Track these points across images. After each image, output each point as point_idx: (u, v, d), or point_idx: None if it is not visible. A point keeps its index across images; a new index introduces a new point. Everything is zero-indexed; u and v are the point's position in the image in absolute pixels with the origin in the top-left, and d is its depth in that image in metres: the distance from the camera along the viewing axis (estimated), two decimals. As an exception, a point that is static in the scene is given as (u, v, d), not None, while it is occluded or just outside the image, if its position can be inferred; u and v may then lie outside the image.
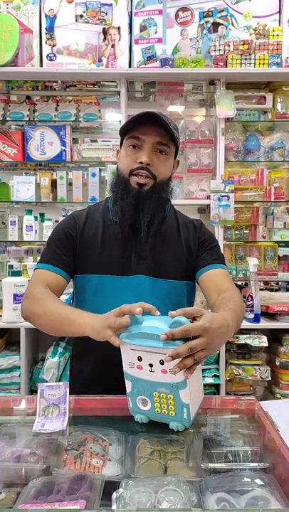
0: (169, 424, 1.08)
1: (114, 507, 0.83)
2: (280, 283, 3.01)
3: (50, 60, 2.77)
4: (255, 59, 2.66)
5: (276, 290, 3.01)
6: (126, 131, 1.36)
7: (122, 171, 1.37)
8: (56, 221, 2.83)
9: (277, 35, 2.69)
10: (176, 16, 2.77)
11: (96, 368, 1.39)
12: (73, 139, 2.90)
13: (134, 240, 1.36)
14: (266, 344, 2.56)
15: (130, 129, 1.34)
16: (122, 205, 1.34)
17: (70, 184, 2.81)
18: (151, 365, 1.03)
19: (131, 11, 2.78)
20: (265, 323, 2.61)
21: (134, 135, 1.33)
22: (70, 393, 1.18)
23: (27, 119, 2.92)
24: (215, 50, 2.68)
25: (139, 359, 1.05)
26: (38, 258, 1.47)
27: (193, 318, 1.03)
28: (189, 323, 1.00)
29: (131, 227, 1.37)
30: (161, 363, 1.01)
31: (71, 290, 1.59)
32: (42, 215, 2.90)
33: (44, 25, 2.76)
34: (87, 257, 1.39)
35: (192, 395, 1.04)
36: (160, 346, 0.99)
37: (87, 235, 1.41)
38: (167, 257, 1.39)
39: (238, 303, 1.29)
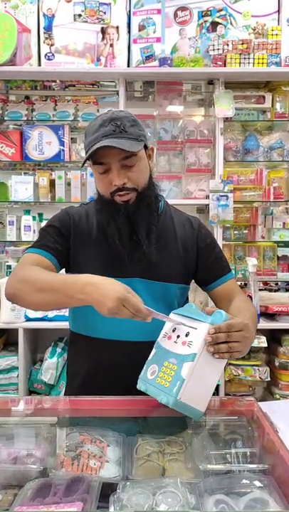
0: (158, 397, 1.05)
1: (111, 509, 0.82)
2: (279, 283, 3.00)
3: (49, 59, 2.76)
4: (254, 58, 2.65)
5: (275, 290, 3.00)
6: (88, 158, 1.30)
7: (103, 194, 1.33)
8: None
9: (276, 34, 2.69)
10: (175, 15, 2.76)
11: (91, 370, 1.37)
12: (72, 138, 2.89)
13: (129, 241, 1.33)
14: (265, 344, 2.56)
15: (91, 156, 1.27)
16: (117, 226, 1.31)
17: (69, 184, 2.80)
18: (178, 336, 1.09)
19: (129, 11, 2.78)
20: (264, 324, 2.61)
21: (98, 161, 1.28)
22: (67, 394, 1.17)
23: (25, 118, 2.91)
24: (214, 50, 2.67)
25: (173, 330, 1.12)
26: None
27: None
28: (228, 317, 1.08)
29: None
30: (187, 335, 1.07)
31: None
32: (40, 215, 2.89)
33: (42, 24, 2.75)
34: (80, 256, 1.36)
35: (195, 377, 1.02)
36: (198, 318, 1.08)
37: (81, 233, 1.38)
38: (162, 259, 1.36)
39: (252, 312, 1.34)
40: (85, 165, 1.38)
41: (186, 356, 1.03)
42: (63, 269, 1.42)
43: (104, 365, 1.33)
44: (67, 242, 1.37)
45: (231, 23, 2.76)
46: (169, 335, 1.12)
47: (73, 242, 1.37)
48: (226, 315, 1.07)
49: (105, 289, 1.07)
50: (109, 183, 1.29)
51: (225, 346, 1.04)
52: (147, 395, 1.18)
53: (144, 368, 1.14)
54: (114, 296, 1.05)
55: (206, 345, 1.03)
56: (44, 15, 2.75)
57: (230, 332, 1.05)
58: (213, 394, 2.78)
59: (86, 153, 1.30)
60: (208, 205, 2.74)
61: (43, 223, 2.80)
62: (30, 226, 2.78)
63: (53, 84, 2.88)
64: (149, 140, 2.74)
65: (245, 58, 2.66)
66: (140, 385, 1.12)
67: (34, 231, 2.80)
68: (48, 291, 1.16)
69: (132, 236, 1.33)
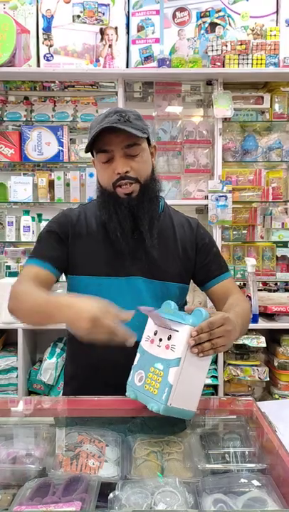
0: (148, 405, 1.04)
1: (110, 509, 0.82)
2: (278, 283, 3.01)
3: (48, 60, 2.77)
4: (252, 59, 2.65)
5: (274, 290, 3.01)
6: (92, 147, 1.32)
7: (105, 186, 1.34)
8: (54, 222, 2.82)
9: (275, 35, 2.69)
10: (174, 16, 2.76)
11: (90, 371, 1.37)
12: (71, 139, 2.89)
13: (128, 240, 1.33)
14: (264, 345, 2.56)
15: (95, 144, 1.30)
16: (120, 219, 1.31)
17: (68, 185, 2.80)
18: (160, 340, 1.08)
19: (128, 11, 2.78)
20: (263, 324, 2.61)
21: (101, 149, 1.30)
22: (66, 394, 1.17)
23: (24, 119, 2.92)
24: (212, 51, 2.67)
25: (155, 333, 1.10)
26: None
27: None
28: (208, 314, 1.05)
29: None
30: (169, 338, 1.05)
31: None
32: (39, 215, 2.89)
33: (41, 25, 2.76)
34: (80, 257, 1.37)
35: (182, 380, 1.01)
36: (178, 320, 1.05)
37: (79, 234, 1.38)
38: (162, 258, 1.37)
39: (244, 307, 1.33)
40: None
41: (171, 361, 1.02)
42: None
43: (103, 365, 1.32)
44: (66, 246, 1.37)
45: (230, 24, 2.76)
46: (152, 338, 1.10)
47: (72, 245, 1.38)
48: (206, 312, 1.04)
49: (78, 310, 1.06)
50: (112, 172, 1.30)
51: (208, 344, 1.03)
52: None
53: (132, 372, 1.13)
54: (85, 317, 1.03)
55: (190, 348, 1.02)
56: (43, 16, 2.75)
57: (212, 330, 1.03)
58: (212, 394, 2.78)
59: (89, 142, 1.31)
60: (207, 205, 2.74)
61: (43, 224, 2.81)
62: (29, 227, 2.78)
63: (52, 85, 2.88)
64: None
65: (243, 59, 2.66)
66: (129, 393, 1.10)
67: (33, 232, 2.80)
68: (34, 311, 1.21)
69: (133, 232, 1.33)
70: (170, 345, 1.04)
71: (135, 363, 1.13)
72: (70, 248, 1.37)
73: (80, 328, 1.04)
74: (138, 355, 1.13)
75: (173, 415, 1.03)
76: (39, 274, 1.32)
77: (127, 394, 1.11)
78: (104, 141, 1.27)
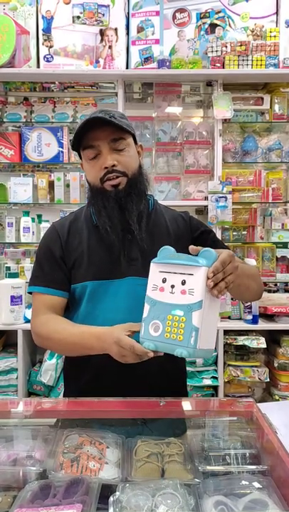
0: (175, 352, 1.01)
1: (110, 511, 0.82)
2: (278, 284, 3.01)
3: (47, 61, 2.77)
4: (252, 60, 2.66)
5: (274, 291, 3.01)
6: (78, 144, 1.33)
7: (93, 182, 1.35)
8: (54, 223, 2.82)
9: (275, 36, 2.69)
10: (174, 17, 2.77)
11: (93, 376, 1.35)
12: (70, 140, 2.88)
13: (122, 242, 1.34)
14: (264, 345, 2.56)
15: (81, 140, 1.31)
16: (108, 213, 1.32)
17: (68, 185, 2.80)
18: (172, 287, 1.03)
19: (128, 12, 2.78)
20: (263, 325, 2.61)
21: (87, 144, 1.31)
22: (67, 396, 1.17)
23: (24, 120, 2.91)
24: (212, 51, 2.67)
25: (164, 281, 1.05)
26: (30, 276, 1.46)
27: None
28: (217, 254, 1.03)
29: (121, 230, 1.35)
30: (183, 283, 1.01)
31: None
32: (39, 216, 2.89)
33: (41, 26, 2.76)
34: (77, 266, 1.36)
35: (204, 322, 1.00)
36: (191, 263, 1.01)
37: (72, 244, 1.38)
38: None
39: (250, 267, 1.38)
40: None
41: (193, 305, 0.99)
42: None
43: (106, 372, 1.31)
44: (63, 263, 1.38)
45: (230, 25, 2.77)
46: (160, 286, 1.06)
47: (67, 257, 1.38)
48: (214, 252, 1.03)
49: (104, 340, 1.16)
50: (100, 167, 1.31)
51: (223, 283, 1.03)
52: (147, 396, 1.18)
53: (143, 326, 1.08)
54: (111, 343, 1.12)
55: (208, 289, 1.00)
56: (43, 17, 2.75)
57: (224, 269, 1.03)
58: (213, 395, 2.77)
59: (74, 138, 1.32)
60: (207, 206, 2.74)
61: (42, 225, 2.81)
62: (29, 228, 2.77)
63: (52, 85, 2.88)
64: (147, 141, 2.78)
65: (243, 60, 2.66)
66: (148, 344, 1.05)
67: (33, 233, 2.80)
68: (71, 348, 1.28)
69: (124, 231, 1.33)
70: (187, 290, 1.01)
71: (145, 315, 1.07)
72: (67, 262, 1.38)
73: (114, 355, 1.13)
74: (147, 306, 1.07)
75: (197, 357, 1.03)
76: (49, 300, 1.35)
77: (145, 346, 1.05)
78: (90, 136, 1.29)
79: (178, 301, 1.02)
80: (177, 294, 1.02)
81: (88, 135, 1.29)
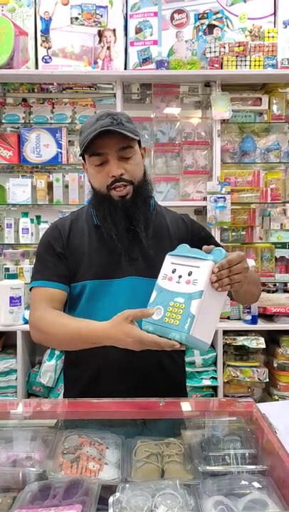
0: (169, 335, 1.05)
1: (110, 511, 0.82)
2: (277, 284, 3.01)
3: (46, 62, 2.77)
4: (250, 61, 2.66)
5: (273, 291, 3.01)
6: (84, 150, 1.32)
7: (99, 188, 1.34)
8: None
9: (273, 36, 2.70)
10: (172, 18, 2.77)
11: (95, 375, 1.35)
12: (69, 141, 2.89)
13: (123, 242, 1.34)
14: (264, 346, 2.56)
15: (88, 147, 1.30)
16: (114, 221, 1.32)
17: (67, 186, 2.80)
18: (180, 277, 1.10)
19: (126, 13, 2.79)
20: (262, 325, 2.61)
21: (95, 152, 1.30)
22: (67, 397, 1.17)
23: (22, 121, 2.91)
24: (210, 52, 2.68)
25: (173, 271, 1.12)
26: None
27: None
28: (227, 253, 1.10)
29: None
30: (189, 274, 1.08)
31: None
32: (38, 217, 2.89)
33: (39, 27, 2.76)
34: (77, 264, 1.36)
35: (203, 312, 1.04)
36: (200, 257, 1.09)
37: (73, 243, 1.38)
38: (158, 256, 1.37)
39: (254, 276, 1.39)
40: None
41: (193, 294, 1.05)
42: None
43: (108, 370, 1.31)
44: (64, 258, 1.37)
45: (228, 26, 2.77)
46: (170, 276, 1.13)
47: (68, 254, 1.38)
48: (225, 252, 1.10)
49: (119, 340, 1.14)
50: (106, 175, 1.30)
51: (227, 280, 1.07)
52: (147, 396, 1.18)
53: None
54: (132, 342, 1.10)
55: (211, 283, 1.06)
56: (41, 18, 2.75)
57: (231, 267, 1.08)
58: (212, 395, 2.77)
59: (82, 145, 1.31)
60: (205, 206, 2.74)
61: (41, 225, 2.81)
62: (28, 229, 2.77)
63: (50, 86, 2.88)
64: (146, 142, 2.78)
65: (241, 60, 2.67)
66: (147, 327, 1.10)
67: (32, 233, 2.80)
68: (68, 343, 1.27)
69: (128, 232, 1.33)
70: (191, 280, 1.07)
71: (151, 300, 1.13)
72: (68, 259, 1.37)
73: (133, 348, 1.12)
74: (154, 293, 1.14)
75: (191, 346, 1.06)
76: (49, 294, 1.34)
77: (143, 328, 1.10)
78: (97, 144, 1.28)
79: (182, 289, 1.08)
80: (182, 284, 1.08)
81: (96, 142, 1.27)
